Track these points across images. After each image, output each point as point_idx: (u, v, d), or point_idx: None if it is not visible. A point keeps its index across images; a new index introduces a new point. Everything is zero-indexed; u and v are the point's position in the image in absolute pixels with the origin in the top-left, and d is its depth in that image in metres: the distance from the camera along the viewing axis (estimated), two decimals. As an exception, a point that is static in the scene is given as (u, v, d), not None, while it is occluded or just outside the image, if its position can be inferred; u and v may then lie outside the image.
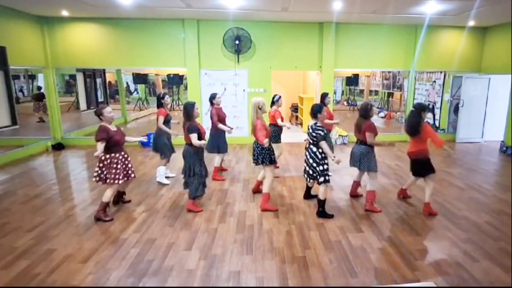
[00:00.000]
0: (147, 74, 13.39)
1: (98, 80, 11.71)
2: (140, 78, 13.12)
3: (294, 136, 9.13)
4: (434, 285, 2.27)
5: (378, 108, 13.31)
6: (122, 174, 4.08)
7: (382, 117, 12.67)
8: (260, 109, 4.29)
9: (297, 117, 11.58)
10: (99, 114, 3.96)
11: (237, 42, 7.81)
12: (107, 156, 3.99)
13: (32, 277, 2.92)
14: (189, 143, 4.16)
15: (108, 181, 3.99)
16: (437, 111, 9.70)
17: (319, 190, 4.15)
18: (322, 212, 4.19)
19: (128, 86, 13.98)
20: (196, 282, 2.86)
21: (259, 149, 4.37)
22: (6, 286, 2.81)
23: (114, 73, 12.26)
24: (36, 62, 7.69)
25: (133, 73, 12.96)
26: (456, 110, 9.07)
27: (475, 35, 8.63)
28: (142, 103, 13.99)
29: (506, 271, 3.04)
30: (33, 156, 7.17)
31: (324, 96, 5.53)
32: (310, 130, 4.07)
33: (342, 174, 5.84)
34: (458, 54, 8.67)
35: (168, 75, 12.71)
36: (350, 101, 14.59)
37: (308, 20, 7.99)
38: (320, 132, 3.97)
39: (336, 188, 5.21)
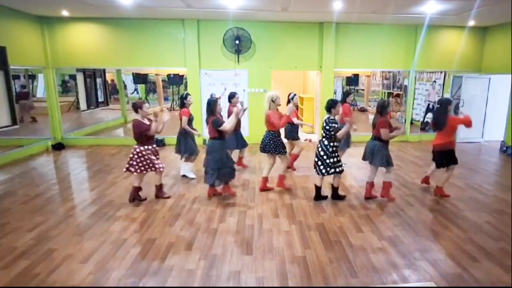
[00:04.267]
0: (147, 74, 13.39)
1: (98, 80, 11.70)
2: (140, 78, 13.11)
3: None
4: (434, 285, 2.27)
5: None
6: (158, 164, 4.48)
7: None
8: (273, 101, 4.72)
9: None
10: (138, 107, 4.35)
11: (237, 42, 7.81)
12: (142, 148, 4.37)
13: (32, 277, 2.92)
14: (214, 138, 4.50)
15: (150, 169, 4.44)
16: (437, 111, 9.69)
17: (333, 180, 4.61)
18: (336, 195, 4.69)
19: (125, 85, 13.95)
20: (196, 282, 2.86)
21: (270, 139, 4.82)
22: (6, 286, 2.81)
23: (114, 73, 12.25)
24: (36, 62, 7.69)
25: (133, 73, 12.95)
26: (456, 110, 9.07)
27: (475, 35, 8.63)
28: (142, 103, 13.97)
29: (506, 271, 3.04)
30: (33, 156, 7.17)
31: (347, 94, 6.11)
32: (324, 124, 4.39)
33: (343, 174, 5.83)
34: (458, 54, 8.66)
35: (168, 75, 12.70)
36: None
37: (308, 20, 7.99)
38: (334, 125, 4.32)
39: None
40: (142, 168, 4.41)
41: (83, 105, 10.89)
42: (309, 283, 2.87)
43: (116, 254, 3.29)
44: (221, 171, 4.55)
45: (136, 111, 4.36)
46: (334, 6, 6.45)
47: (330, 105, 4.40)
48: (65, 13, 7.27)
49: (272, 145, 4.83)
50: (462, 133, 8.87)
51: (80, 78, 10.65)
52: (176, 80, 12.63)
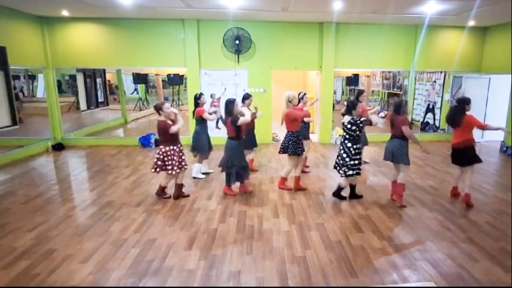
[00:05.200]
0: (147, 74, 13.39)
1: (98, 80, 11.70)
2: (140, 78, 13.12)
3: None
4: (434, 285, 2.27)
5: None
6: (177, 166, 4.55)
7: (382, 117, 12.64)
8: (290, 101, 4.86)
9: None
10: (158, 109, 4.42)
11: (237, 42, 7.81)
12: (167, 148, 4.49)
13: (32, 277, 2.92)
14: (232, 137, 4.65)
15: (167, 171, 4.53)
16: (437, 111, 9.70)
17: (347, 180, 4.61)
18: (353, 194, 4.74)
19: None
20: (196, 282, 2.86)
21: (288, 139, 4.86)
22: (6, 286, 2.81)
23: (114, 73, 12.25)
24: (36, 62, 7.69)
25: (133, 73, 12.96)
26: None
27: (475, 35, 8.62)
28: (142, 103, 13.99)
29: (506, 271, 3.04)
30: (33, 156, 7.17)
31: (359, 93, 6.03)
32: (349, 126, 4.38)
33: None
34: (458, 54, 8.66)
35: (168, 75, 12.70)
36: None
37: (308, 20, 7.99)
38: (361, 123, 4.31)
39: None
40: (169, 168, 4.51)
41: (83, 105, 10.90)
42: (309, 283, 2.87)
43: (116, 254, 3.29)
44: (237, 170, 4.69)
45: (159, 113, 4.45)
46: (334, 6, 6.44)
47: (351, 107, 4.42)
48: (65, 13, 7.27)
49: (291, 146, 4.88)
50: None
51: (80, 78, 10.66)
52: (176, 80, 12.63)
